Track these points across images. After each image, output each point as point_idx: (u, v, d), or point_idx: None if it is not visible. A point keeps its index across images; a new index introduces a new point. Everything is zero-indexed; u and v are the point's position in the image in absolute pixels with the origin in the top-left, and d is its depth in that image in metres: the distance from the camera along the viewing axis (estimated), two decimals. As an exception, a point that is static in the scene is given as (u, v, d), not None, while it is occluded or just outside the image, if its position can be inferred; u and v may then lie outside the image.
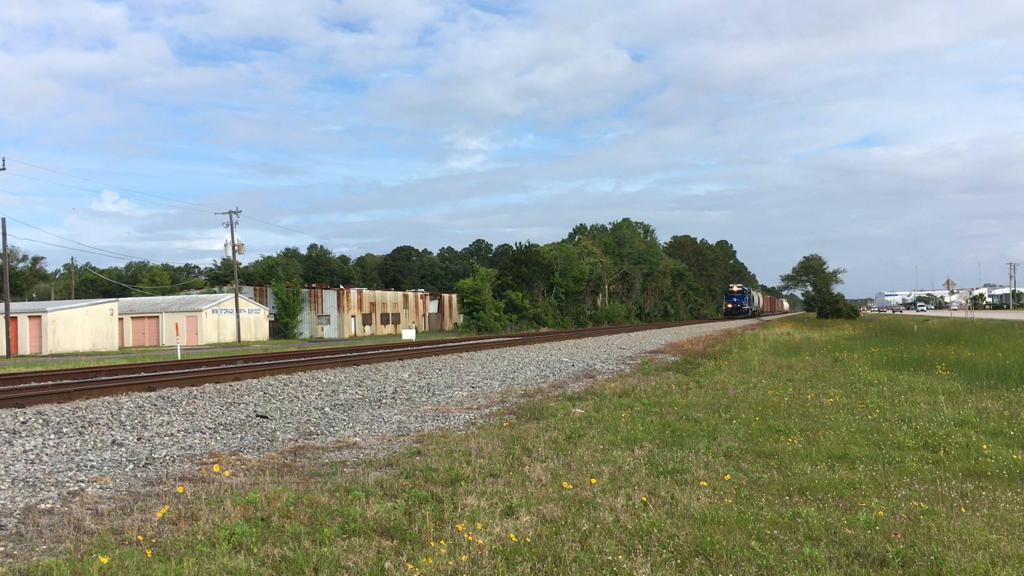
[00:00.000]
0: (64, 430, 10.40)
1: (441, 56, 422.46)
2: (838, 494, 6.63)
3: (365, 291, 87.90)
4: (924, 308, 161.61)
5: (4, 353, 50.84)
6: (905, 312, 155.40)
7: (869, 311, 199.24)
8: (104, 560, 4.90)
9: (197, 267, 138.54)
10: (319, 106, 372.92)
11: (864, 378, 15.99)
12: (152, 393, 14.09)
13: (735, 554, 5.16)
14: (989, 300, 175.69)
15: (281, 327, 78.92)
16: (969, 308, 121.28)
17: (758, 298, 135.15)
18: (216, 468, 7.86)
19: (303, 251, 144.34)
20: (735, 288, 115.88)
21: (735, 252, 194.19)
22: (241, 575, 4.86)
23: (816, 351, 25.36)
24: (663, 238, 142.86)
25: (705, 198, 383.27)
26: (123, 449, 9.26)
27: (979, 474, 7.30)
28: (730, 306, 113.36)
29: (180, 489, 6.98)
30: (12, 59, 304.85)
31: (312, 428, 10.73)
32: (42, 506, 6.56)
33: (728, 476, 7.23)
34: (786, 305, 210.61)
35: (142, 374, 18.92)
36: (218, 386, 15.21)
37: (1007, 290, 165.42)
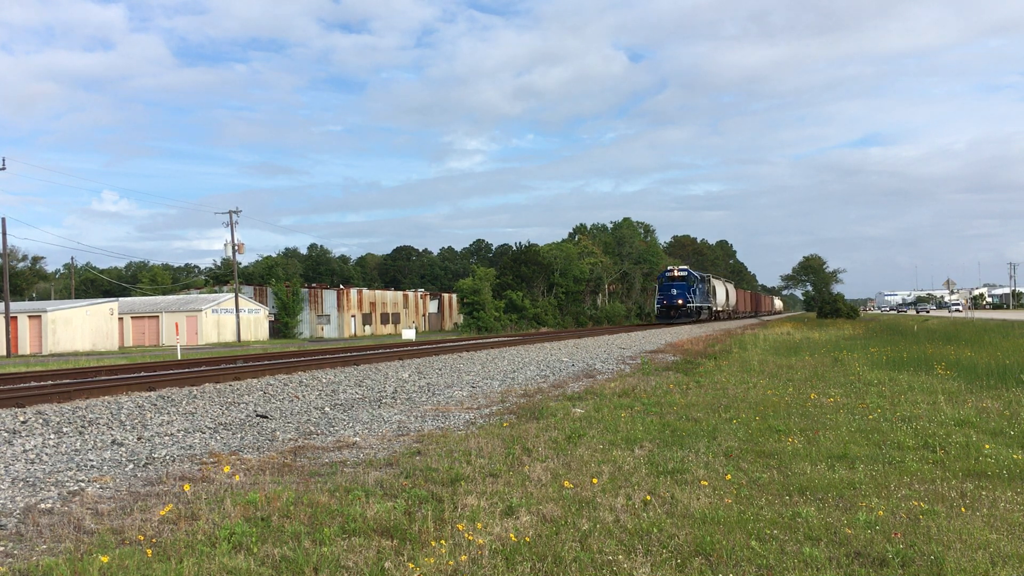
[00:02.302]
0: (64, 430, 10.39)
1: (440, 57, 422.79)
2: (838, 494, 6.63)
3: (365, 291, 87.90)
4: (958, 308, 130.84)
5: (4, 353, 50.83)
6: (933, 312, 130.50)
7: (878, 310, 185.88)
8: (104, 560, 4.90)
9: (197, 267, 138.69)
10: (319, 106, 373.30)
11: (864, 378, 15.99)
12: (152, 393, 14.08)
13: (735, 554, 5.16)
14: (989, 300, 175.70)
15: (281, 327, 78.92)
16: (969, 308, 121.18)
17: (727, 292, 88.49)
18: (220, 468, 7.86)
19: (303, 251, 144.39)
20: (676, 273, 67.61)
21: (735, 252, 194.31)
22: (241, 575, 4.86)
23: (816, 351, 25.36)
24: (663, 238, 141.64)
25: (704, 198, 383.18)
26: (123, 449, 9.26)
27: (979, 474, 7.30)
28: (666, 303, 65.96)
29: (180, 489, 6.98)
30: (12, 60, 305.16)
31: (312, 428, 10.72)
32: (42, 506, 6.56)
33: (728, 476, 7.23)
34: (778, 304, 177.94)
35: (142, 374, 18.91)
36: (218, 386, 15.20)
37: (1007, 290, 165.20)
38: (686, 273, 67.46)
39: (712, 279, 79.52)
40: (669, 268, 69.74)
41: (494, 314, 72.96)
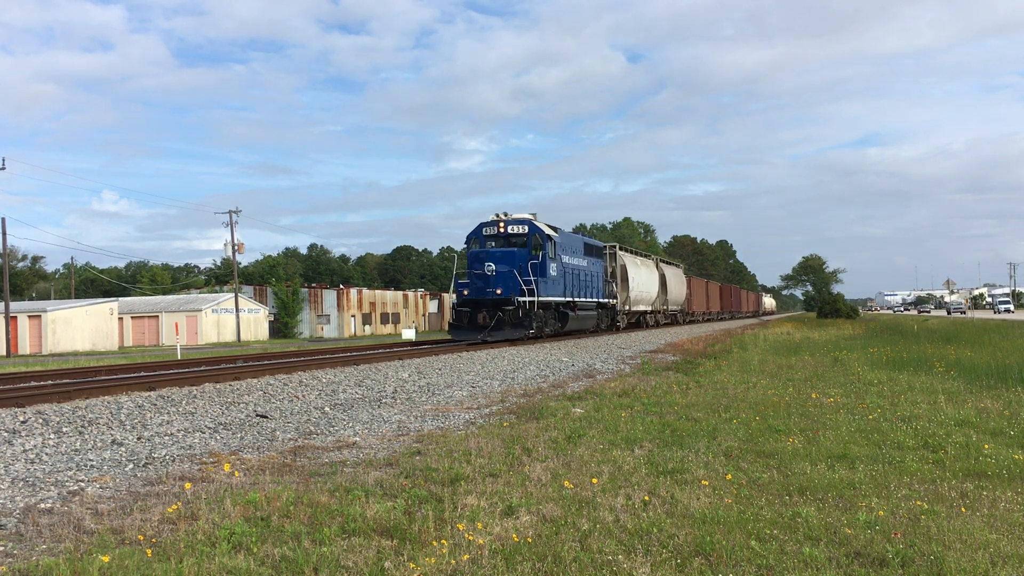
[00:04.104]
0: (64, 429, 10.39)
1: (438, 57, 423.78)
2: (838, 494, 6.63)
3: (365, 291, 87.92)
4: (1008, 308, 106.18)
5: (4, 353, 50.82)
6: (971, 313, 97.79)
7: (889, 311, 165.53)
8: (104, 559, 4.90)
9: (197, 267, 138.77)
10: (318, 106, 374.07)
11: (864, 378, 15.98)
12: (152, 393, 14.07)
13: (735, 554, 5.16)
14: (989, 300, 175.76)
15: (281, 327, 78.92)
16: (969, 308, 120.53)
17: (662, 279, 52.29)
18: (220, 468, 7.85)
19: (303, 251, 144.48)
20: (502, 228, 29.93)
21: (735, 252, 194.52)
22: (241, 575, 4.86)
23: (816, 351, 25.35)
24: (663, 238, 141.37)
25: (703, 198, 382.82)
26: (123, 448, 9.25)
27: (979, 474, 7.30)
28: (467, 294, 28.55)
29: (180, 489, 6.98)
30: (12, 61, 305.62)
31: (312, 428, 10.72)
32: (42, 506, 6.56)
33: (728, 476, 7.23)
34: (769, 302, 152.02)
35: (142, 374, 18.90)
36: (218, 386, 15.19)
37: (1007, 290, 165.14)
38: (526, 228, 30.09)
39: (620, 253, 42.85)
40: (493, 219, 31.09)
41: (494, 314, 72.73)
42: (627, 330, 34.32)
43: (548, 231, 30.91)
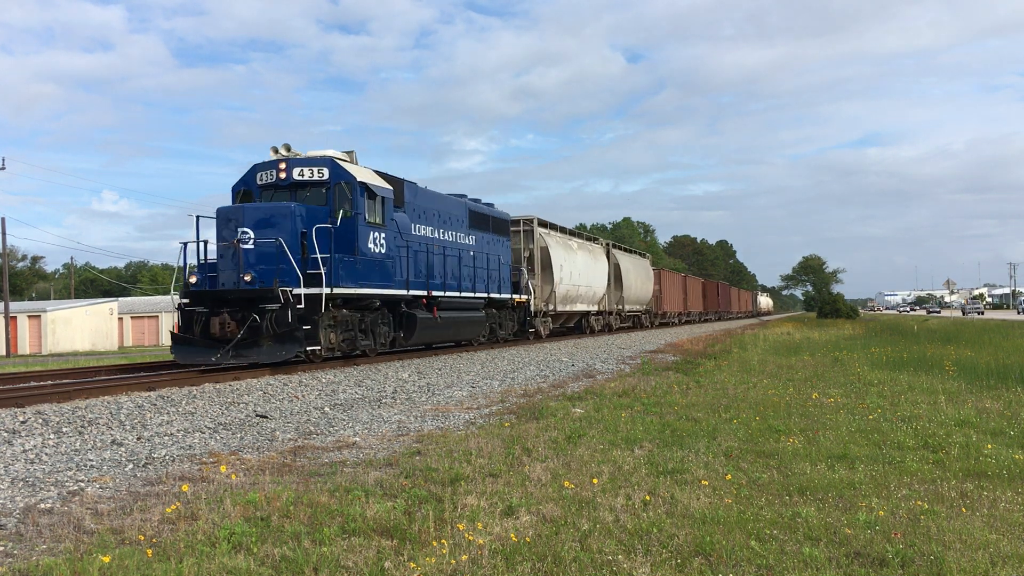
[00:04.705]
0: (64, 430, 10.38)
1: (438, 58, 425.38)
2: (838, 494, 6.63)
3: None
4: None
5: (3, 353, 50.82)
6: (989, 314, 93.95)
7: (894, 312, 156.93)
8: (104, 559, 4.89)
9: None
10: (318, 106, 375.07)
11: (864, 378, 15.98)
12: (152, 393, 14.07)
13: (735, 554, 5.16)
14: (989, 300, 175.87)
15: (281, 327, 78.73)
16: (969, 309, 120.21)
17: (614, 270, 40.58)
18: (219, 468, 7.85)
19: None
20: (289, 169, 17.69)
21: (735, 252, 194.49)
22: (241, 575, 4.86)
23: (816, 351, 25.35)
24: (663, 238, 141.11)
25: (704, 198, 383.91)
26: (123, 449, 9.25)
27: (979, 474, 7.30)
28: (196, 282, 16.62)
29: (180, 489, 6.97)
30: (12, 61, 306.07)
31: (312, 428, 10.72)
32: (42, 506, 6.56)
33: (728, 476, 7.22)
34: (765, 302, 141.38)
35: (142, 374, 18.89)
36: (217, 386, 15.18)
37: (1007, 290, 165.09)
38: (326, 172, 17.70)
39: (541, 231, 31.93)
40: (272, 157, 18.19)
41: (494, 314, 72.43)
42: (555, 338, 25.47)
43: (370, 178, 18.83)
